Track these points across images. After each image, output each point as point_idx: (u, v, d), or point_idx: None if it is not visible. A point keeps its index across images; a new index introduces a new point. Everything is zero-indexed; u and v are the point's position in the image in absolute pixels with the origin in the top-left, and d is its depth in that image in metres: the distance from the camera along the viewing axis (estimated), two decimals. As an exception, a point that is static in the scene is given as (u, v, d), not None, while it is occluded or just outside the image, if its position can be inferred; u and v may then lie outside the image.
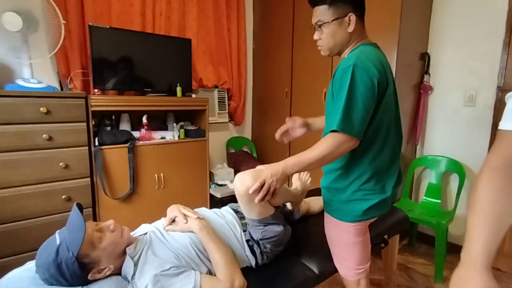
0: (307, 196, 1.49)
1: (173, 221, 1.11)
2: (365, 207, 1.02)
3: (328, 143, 0.92)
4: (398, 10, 1.89)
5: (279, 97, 2.81)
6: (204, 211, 1.22)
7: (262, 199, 0.96)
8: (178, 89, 2.28)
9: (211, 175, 2.67)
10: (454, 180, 2.21)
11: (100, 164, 1.88)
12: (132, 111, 2.16)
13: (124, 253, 0.96)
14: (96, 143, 1.88)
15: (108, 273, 0.91)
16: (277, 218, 1.14)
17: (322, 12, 1.01)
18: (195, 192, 2.38)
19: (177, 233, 1.06)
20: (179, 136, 2.29)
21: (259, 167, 0.99)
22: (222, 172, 2.78)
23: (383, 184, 1.05)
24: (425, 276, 1.98)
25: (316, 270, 1.19)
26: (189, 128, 2.38)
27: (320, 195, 1.20)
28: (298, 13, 2.55)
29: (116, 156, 1.96)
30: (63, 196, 1.75)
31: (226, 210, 1.26)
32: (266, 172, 0.95)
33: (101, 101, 1.89)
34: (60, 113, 1.69)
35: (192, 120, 2.52)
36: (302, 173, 1.46)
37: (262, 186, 0.94)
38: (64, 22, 1.73)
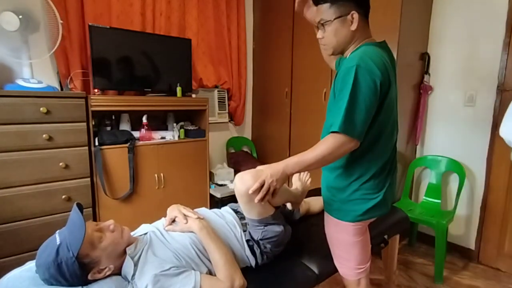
0: (307, 196, 1.49)
1: (173, 221, 1.11)
2: (365, 207, 1.02)
3: (328, 144, 0.92)
4: (398, 10, 1.89)
5: (279, 97, 2.81)
6: (204, 211, 1.22)
7: (262, 199, 0.96)
8: (178, 89, 2.28)
9: (211, 175, 2.67)
10: (454, 180, 2.21)
11: (100, 164, 1.88)
12: (132, 111, 2.16)
13: (124, 253, 0.96)
14: (96, 143, 1.88)
15: (108, 273, 0.91)
16: (277, 218, 1.14)
17: (324, 11, 1.00)
18: (195, 192, 2.38)
19: (177, 233, 1.06)
20: (179, 136, 2.29)
21: (259, 167, 0.99)
22: (222, 172, 2.78)
23: (383, 184, 1.05)
24: (425, 276, 1.98)
25: (316, 270, 1.19)
26: (189, 128, 2.38)
27: (320, 195, 1.20)
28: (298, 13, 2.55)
29: (116, 156, 1.96)
30: (63, 196, 1.75)
31: (226, 210, 1.26)
32: (266, 172, 0.95)
33: (101, 101, 1.89)
34: (60, 113, 1.69)
35: (192, 120, 2.52)
36: (302, 173, 1.46)
37: (262, 186, 0.94)
38: (61, 21, 1.73)
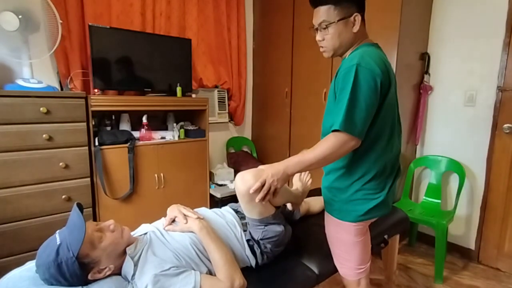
0: (307, 196, 1.49)
1: (173, 221, 1.11)
2: (367, 207, 1.02)
3: (330, 143, 0.92)
4: (398, 10, 1.89)
5: (279, 97, 2.81)
6: (204, 211, 1.22)
7: (263, 198, 0.96)
8: (178, 89, 2.28)
9: (211, 175, 2.67)
10: (454, 180, 2.21)
11: (100, 164, 1.88)
12: (132, 111, 2.16)
13: (124, 253, 0.96)
14: (96, 143, 1.88)
15: (108, 273, 0.91)
16: (278, 218, 1.14)
17: (326, 12, 0.99)
18: (195, 192, 2.38)
19: (177, 233, 1.06)
20: (179, 136, 2.29)
21: (260, 166, 0.99)
22: (222, 172, 2.78)
23: (384, 185, 1.05)
24: (425, 276, 1.98)
25: (316, 270, 1.19)
26: (189, 128, 2.38)
27: (320, 195, 1.20)
28: (298, 13, 2.55)
29: (116, 156, 1.96)
30: (63, 196, 1.75)
31: (226, 210, 1.26)
32: (267, 171, 0.95)
33: (101, 101, 1.89)
34: (60, 113, 1.69)
35: (192, 120, 2.52)
36: (303, 174, 1.45)
37: (263, 185, 0.94)
38: (61, 21, 1.73)
